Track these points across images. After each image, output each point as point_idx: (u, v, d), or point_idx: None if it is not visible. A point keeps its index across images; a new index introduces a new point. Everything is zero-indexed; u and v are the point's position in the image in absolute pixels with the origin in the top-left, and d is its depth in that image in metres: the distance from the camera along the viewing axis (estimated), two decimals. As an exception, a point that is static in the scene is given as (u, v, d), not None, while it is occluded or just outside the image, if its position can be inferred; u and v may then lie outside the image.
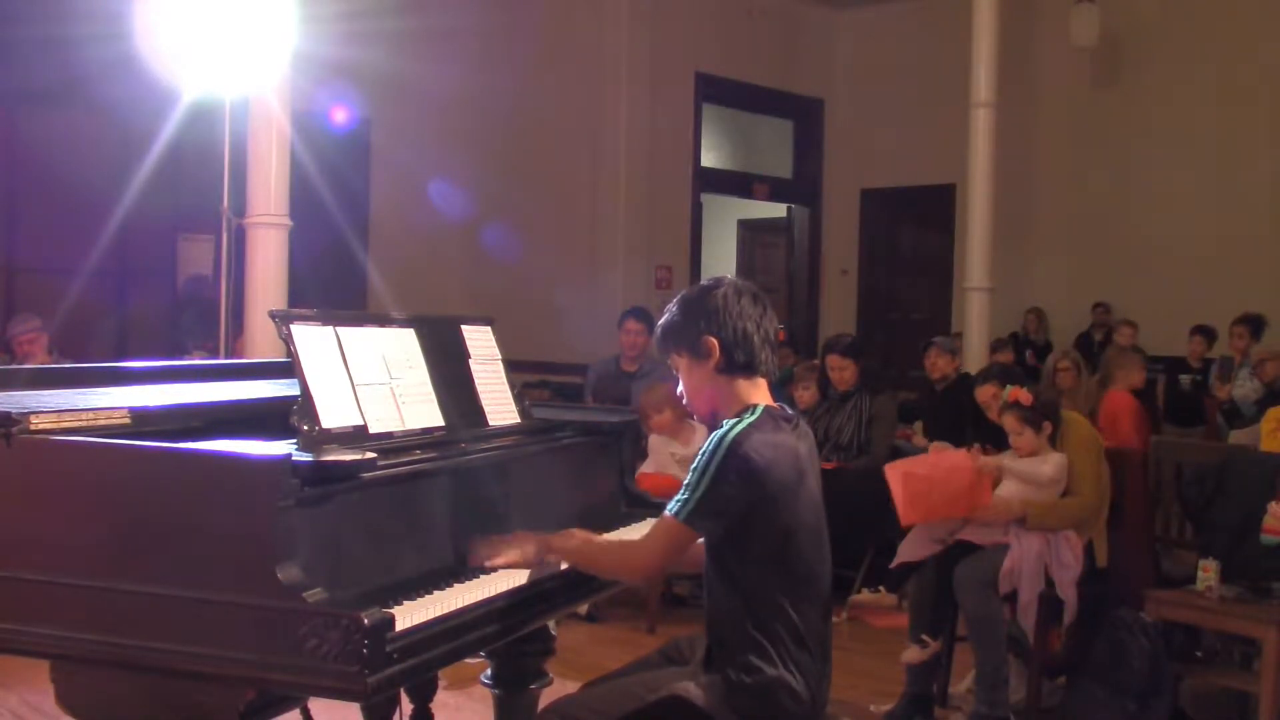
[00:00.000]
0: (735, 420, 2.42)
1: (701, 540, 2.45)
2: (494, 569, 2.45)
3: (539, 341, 8.85)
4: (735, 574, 2.42)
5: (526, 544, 2.51)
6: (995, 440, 4.44)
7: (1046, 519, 4.13)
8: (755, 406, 2.45)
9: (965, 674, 4.48)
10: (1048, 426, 4.23)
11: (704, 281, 2.61)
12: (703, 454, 2.39)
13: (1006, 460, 4.24)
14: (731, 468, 2.34)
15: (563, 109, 10.21)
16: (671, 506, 2.40)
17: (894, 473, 4.21)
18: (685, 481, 2.40)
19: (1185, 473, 4.83)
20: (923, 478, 4.18)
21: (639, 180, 10.14)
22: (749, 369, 2.51)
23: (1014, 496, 4.19)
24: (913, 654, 4.22)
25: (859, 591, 5.83)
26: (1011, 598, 4.13)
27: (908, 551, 4.33)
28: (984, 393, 4.58)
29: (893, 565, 4.45)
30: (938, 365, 6.78)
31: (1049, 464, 4.19)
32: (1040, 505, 4.14)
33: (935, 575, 4.22)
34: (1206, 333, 8.86)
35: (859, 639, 5.35)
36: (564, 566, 2.57)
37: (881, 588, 5.69)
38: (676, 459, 5.54)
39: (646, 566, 2.53)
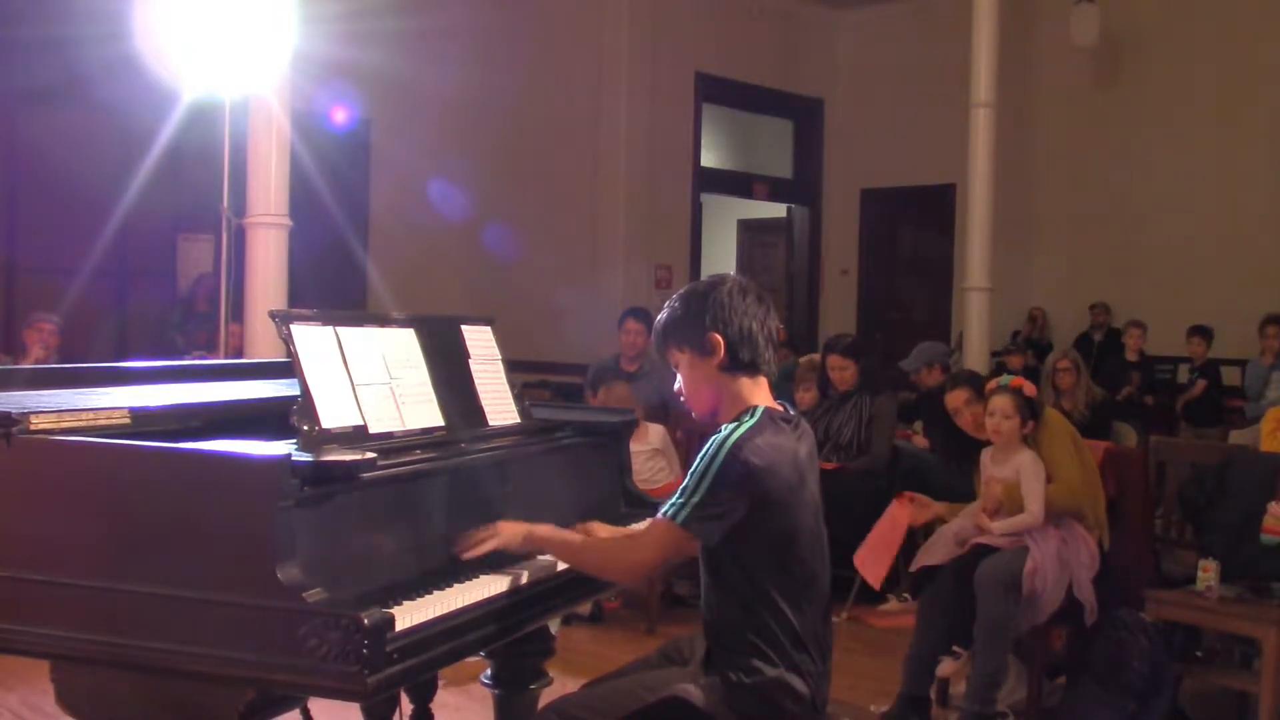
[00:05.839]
0: (735, 423, 2.39)
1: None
2: (475, 557, 2.43)
3: (539, 341, 8.86)
4: (734, 578, 2.40)
5: (510, 532, 2.48)
6: (970, 446, 4.48)
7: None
8: (755, 408, 2.43)
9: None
10: (1030, 425, 4.23)
11: (706, 278, 2.57)
12: (702, 457, 2.37)
13: (983, 520, 4.23)
14: (731, 472, 2.32)
15: (562, 109, 10.21)
16: (667, 509, 2.37)
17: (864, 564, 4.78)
18: (683, 484, 2.38)
19: (1185, 473, 4.83)
20: (869, 547, 4.75)
21: (639, 180, 10.14)
22: (752, 368, 2.48)
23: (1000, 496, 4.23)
24: (947, 666, 4.20)
25: (886, 600, 5.80)
26: (1030, 600, 4.10)
27: (928, 555, 4.32)
28: (955, 398, 4.52)
29: (912, 569, 4.44)
30: (926, 381, 6.86)
31: (1025, 461, 4.18)
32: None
33: (954, 581, 4.18)
34: (1204, 333, 8.88)
35: (859, 639, 5.34)
36: (561, 566, 2.57)
37: (907, 594, 5.65)
38: (641, 456, 5.61)
39: (639, 568, 2.49)
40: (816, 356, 7.00)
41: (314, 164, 6.30)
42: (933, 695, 4.32)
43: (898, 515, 4.66)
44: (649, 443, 5.75)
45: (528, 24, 10.08)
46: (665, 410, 6.10)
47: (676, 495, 2.37)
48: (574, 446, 3.05)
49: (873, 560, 4.77)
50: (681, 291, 2.56)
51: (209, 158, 5.55)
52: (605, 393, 5.87)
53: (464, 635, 2.23)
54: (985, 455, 4.34)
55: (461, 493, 2.52)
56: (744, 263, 13.27)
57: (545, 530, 2.52)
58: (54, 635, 2.08)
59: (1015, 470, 4.19)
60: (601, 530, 2.68)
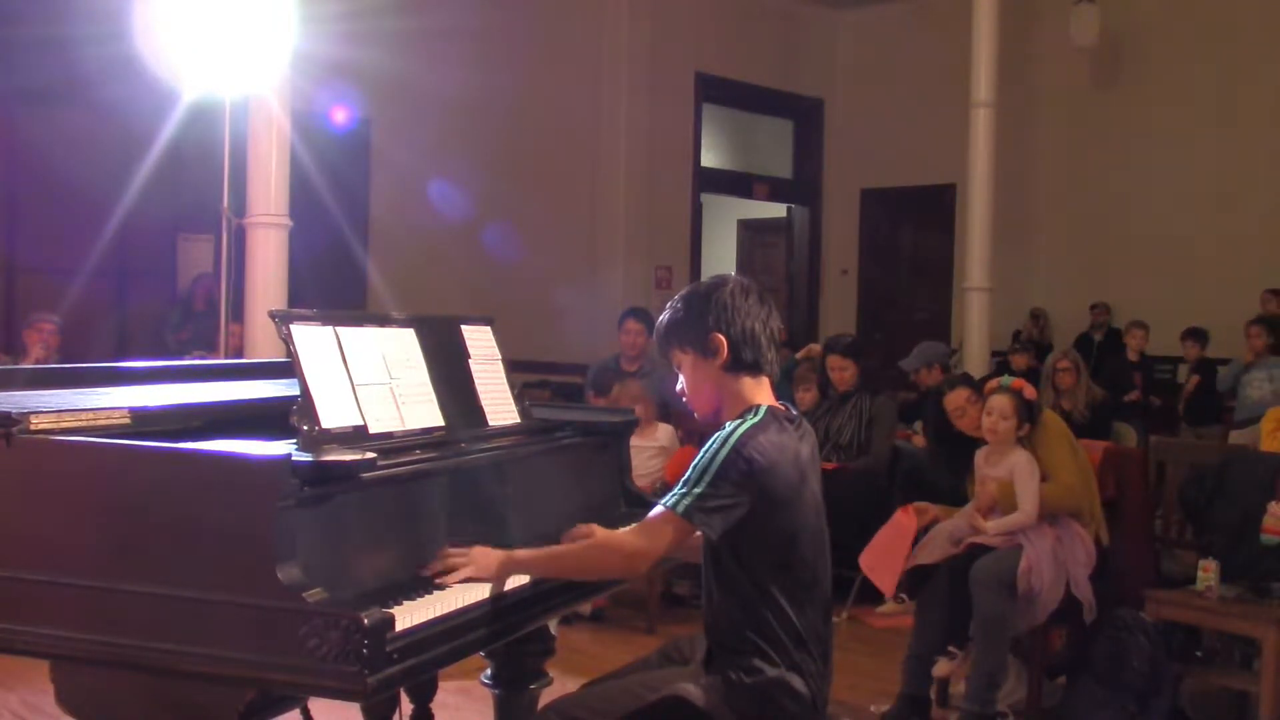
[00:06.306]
0: (739, 420, 2.40)
1: (699, 535, 2.40)
2: (447, 585, 2.32)
3: (539, 341, 8.85)
4: (736, 577, 2.40)
5: (483, 561, 2.38)
6: (965, 446, 4.48)
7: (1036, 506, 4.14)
8: (759, 407, 2.43)
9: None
10: (1026, 428, 4.23)
11: (708, 279, 2.57)
12: (705, 451, 2.37)
13: (977, 520, 4.24)
14: (734, 467, 2.32)
15: (562, 109, 10.22)
16: (669, 499, 2.36)
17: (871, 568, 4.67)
18: (684, 476, 2.38)
19: (1185, 473, 4.83)
20: (876, 555, 4.63)
21: (639, 180, 10.15)
22: (755, 368, 2.48)
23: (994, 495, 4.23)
24: (943, 667, 4.20)
25: (885, 603, 5.80)
26: (1027, 599, 4.10)
27: (923, 555, 4.32)
28: (956, 398, 4.52)
29: (907, 568, 4.44)
30: (926, 381, 6.88)
31: (1019, 461, 4.18)
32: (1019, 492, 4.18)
33: (950, 581, 4.18)
34: (1198, 336, 8.92)
35: (859, 639, 5.34)
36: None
37: (904, 595, 5.65)
38: (646, 453, 5.65)
39: (641, 559, 2.41)
40: (815, 347, 7.01)
41: (314, 164, 6.30)
42: (933, 695, 4.32)
43: (904, 522, 4.63)
44: (656, 439, 5.77)
45: (528, 24, 10.08)
46: (665, 410, 6.11)
47: (678, 486, 2.37)
48: (574, 446, 3.05)
49: (883, 568, 4.73)
50: (683, 292, 2.56)
51: (209, 158, 5.55)
52: (619, 389, 5.88)
53: (464, 635, 2.23)
54: (979, 455, 4.34)
55: (461, 493, 2.52)
56: (744, 263, 13.27)
57: (523, 554, 2.42)
58: (54, 635, 2.08)
59: (1009, 470, 4.19)
60: (600, 534, 2.59)
